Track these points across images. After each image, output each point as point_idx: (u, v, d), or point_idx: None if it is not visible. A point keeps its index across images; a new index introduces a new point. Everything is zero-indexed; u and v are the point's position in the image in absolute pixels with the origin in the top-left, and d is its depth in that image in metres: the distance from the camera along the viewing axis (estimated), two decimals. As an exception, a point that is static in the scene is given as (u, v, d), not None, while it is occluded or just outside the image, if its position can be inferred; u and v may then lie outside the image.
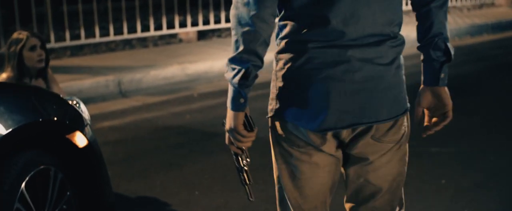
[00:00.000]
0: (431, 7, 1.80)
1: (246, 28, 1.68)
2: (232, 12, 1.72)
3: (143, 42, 7.89)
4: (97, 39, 7.28)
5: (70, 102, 2.71)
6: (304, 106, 1.77)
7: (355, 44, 1.72)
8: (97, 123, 5.03)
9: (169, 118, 5.18)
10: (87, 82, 5.87)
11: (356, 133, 1.80)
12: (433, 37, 1.80)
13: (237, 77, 1.70)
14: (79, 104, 2.79)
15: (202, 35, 8.33)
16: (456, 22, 9.93)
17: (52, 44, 6.96)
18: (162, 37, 8.05)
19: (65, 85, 5.68)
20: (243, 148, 1.84)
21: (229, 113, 1.78)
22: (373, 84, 1.75)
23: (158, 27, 7.86)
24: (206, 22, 8.14)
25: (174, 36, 8.12)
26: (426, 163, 3.95)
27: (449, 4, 11.01)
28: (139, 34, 7.58)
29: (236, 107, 1.76)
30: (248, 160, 1.85)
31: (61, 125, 2.43)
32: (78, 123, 2.49)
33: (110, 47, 7.59)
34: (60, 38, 7.22)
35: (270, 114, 1.84)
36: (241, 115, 1.77)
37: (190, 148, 4.33)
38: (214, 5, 8.25)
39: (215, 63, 6.71)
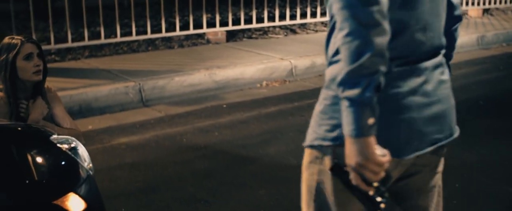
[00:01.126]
0: (451, 30, 1.76)
1: (373, 24, 1.37)
2: (340, 10, 1.39)
3: (167, 42, 7.29)
4: (118, 39, 6.69)
5: (64, 147, 2.05)
6: (385, 132, 1.51)
7: (428, 57, 1.61)
8: (114, 139, 4.44)
9: (195, 134, 4.55)
10: (105, 89, 5.27)
11: (433, 151, 1.65)
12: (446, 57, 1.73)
13: (369, 90, 1.38)
14: (76, 149, 2.10)
15: (231, 35, 7.70)
16: (502, 26, 9.17)
17: (69, 44, 6.40)
18: (188, 37, 7.43)
19: (79, 92, 5.11)
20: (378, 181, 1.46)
21: (354, 144, 1.42)
22: (447, 101, 1.67)
23: (185, 26, 7.25)
24: (237, 21, 7.51)
25: (201, 36, 7.51)
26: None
27: (492, 5, 10.42)
28: (164, 34, 6.98)
29: (366, 130, 1.41)
30: (386, 195, 1.47)
31: (49, 188, 1.81)
32: (73, 180, 1.87)
33: (131, 47, 6.99)
34: (78, 36, 6.65)
35: (332, 143, 1.55)
36: (373, 140, 1.43)
37: (220, 179, 3.68)
38: (245, 2, 7.62)
39: (246, 69, 6.08)
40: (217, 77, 5.89)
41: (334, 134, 1.56)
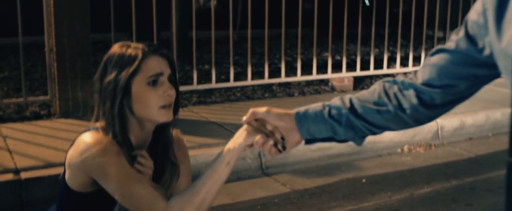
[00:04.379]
0: None
1: None
2: None
3: (286, 87, 6.29)
4: (231, 83, 5.75)
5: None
6: None
7: None
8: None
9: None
10: (217, 152, 4.30)
11: None
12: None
13: None
14: None
15: (358, 82, 6.62)
16: None
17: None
18: (310, 82, 6.41)
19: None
20: None
21: None
22: None
23: (306, 67, 6.24)
24: (366, 66, 6.43)
25: (324, 81, 6.46)
26: None
27: None
28: (283, 78, 5.99)
29: None
30: None
31: None
32: None
33: (245, 93, 6.04)
34: (184, 76, 5.77)
35: None
36: None
37: None
38: (377, 42, 6.53)
39: (386, 130, 4.96)
40: (351, 139, 4.80)
41: None
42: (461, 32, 1.40)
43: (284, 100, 5.90)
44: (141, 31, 6.04)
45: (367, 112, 1.51)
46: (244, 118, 1.61)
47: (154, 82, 1.76)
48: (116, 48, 1.81)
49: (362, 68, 6.44)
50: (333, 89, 6.35)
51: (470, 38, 1.37)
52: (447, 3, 7.03)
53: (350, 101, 1.55)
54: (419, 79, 1.47)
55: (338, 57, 7.61)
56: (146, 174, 1.85)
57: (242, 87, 6.09)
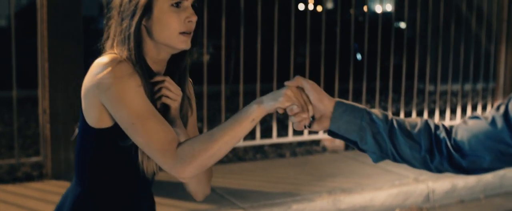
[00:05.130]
0: None
1: None
2: None
3: (277, 148, 6.32)
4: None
5: None
6: None
7: None
8: None
9: None
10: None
11: None
12: None
13: None
14: None
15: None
16: None
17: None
18: (301, 143, 6.45)
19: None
20: None
21: None
22: None
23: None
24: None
25: (317, 142, 6.51)
26: None
27: None
28: (275, 139, 6.04)
29: None
30: None
31: None
32: None
33: (237, 154, 6.06)
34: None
35: None
36: None
37: None
38: (369, 97, 6.60)
39: (376, 194, 5.00)
40: (343, 204, 4.82)
41: None
42: (501, 110, 1.47)
43: (276, 162, 5.92)
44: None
45: (400, 142, 1.55)
46: (289, 83, 1.59)
47: (177, 4, 1.68)
48: None
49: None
50: (324, 149, 6.39)
51: (507, 119, 1.44)
52: (437, 56, 7.14)
53: (391, 122, 1.58)
54: (452, 139, 1.53)
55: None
56: (175, 101, 1.77)
57: (234, 148, 6.13)
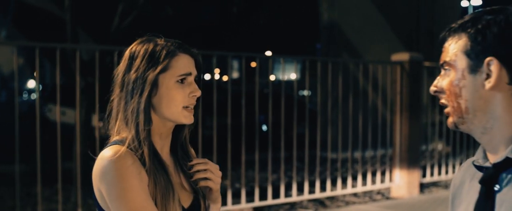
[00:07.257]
0: None
1: None
2: None
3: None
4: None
5: None
6: None
7: None
8: None
9: None
10: None
11: None
12: None
13: None
14: None
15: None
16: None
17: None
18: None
19: None
20: None
21: None
22: None
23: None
24: (263, 193, 6.62)
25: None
26: None
27: None
28: (243, 205, 6.09)
29: None
30: None
31: None
32: None
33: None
34: (87, 209, 5.68)
35: None
36: None
37: None
38: (275, 167, 6.77)
39: None
40: None
41: None
42: None
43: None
44: (43, 163, 5.94)
45: None
46: None
47: (182, 80, 1.72)
48: (140, 44, 1.75)
49: (261, 197, 6.61)
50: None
51: None
52: (338, 126, 7.46)
53: None
54: None
55: (237, 185, 7.78)
56: (217, 184, 1.79)
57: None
